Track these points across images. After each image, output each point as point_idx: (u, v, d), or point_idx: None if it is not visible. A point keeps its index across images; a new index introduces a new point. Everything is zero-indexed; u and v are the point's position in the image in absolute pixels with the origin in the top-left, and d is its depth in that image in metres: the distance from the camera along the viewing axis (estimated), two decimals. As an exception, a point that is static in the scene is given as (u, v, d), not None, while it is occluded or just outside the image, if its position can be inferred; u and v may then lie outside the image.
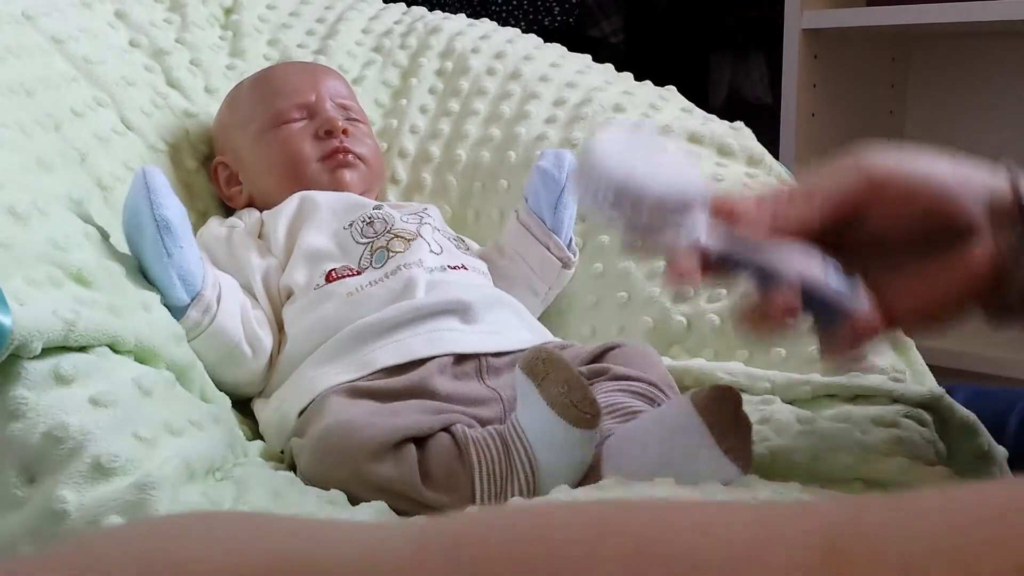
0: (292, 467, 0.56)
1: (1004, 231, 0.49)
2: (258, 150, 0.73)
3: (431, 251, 0.66)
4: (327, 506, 0.48)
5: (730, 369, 0.64)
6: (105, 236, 0.55)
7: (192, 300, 0.57)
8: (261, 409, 0.61)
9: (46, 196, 0.51)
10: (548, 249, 0.71)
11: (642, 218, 0.45)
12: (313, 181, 0.72)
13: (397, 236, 0.66)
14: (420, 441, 0.52)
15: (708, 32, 1.64)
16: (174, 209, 0.56)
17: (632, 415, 0.53)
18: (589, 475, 0.50)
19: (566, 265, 0.72)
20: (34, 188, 0.51)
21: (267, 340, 0.60)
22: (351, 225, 0.67)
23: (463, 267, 0.67)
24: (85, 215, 0.54)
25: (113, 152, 0.65)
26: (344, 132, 0.73)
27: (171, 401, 0.49)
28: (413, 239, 0.66)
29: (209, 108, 0.79)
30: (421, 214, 0.70)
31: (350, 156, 0.73)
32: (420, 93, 0.88)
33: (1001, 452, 0.57)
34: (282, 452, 0.58)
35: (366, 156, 0.74)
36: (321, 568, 0.22)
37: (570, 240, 0.73)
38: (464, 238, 0.75)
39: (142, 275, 0.56)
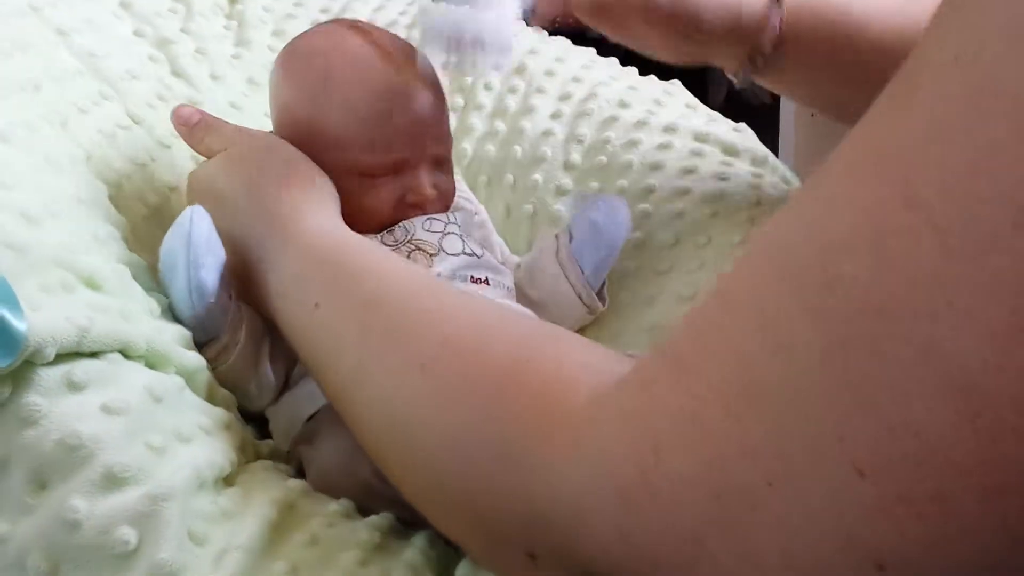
0: (299, 469, 0.56)
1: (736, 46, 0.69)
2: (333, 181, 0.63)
3: (453, 265, 0.64)
4: (340, 519, 0.48)
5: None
6: (113, 238, 0.54)
7: (210, 340, 0.56)
8: (272, 410, 0.60)
9: (56, 197, 0.51)
10: (580, 298, 0.69)
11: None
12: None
13: (419, 248, 0.63)
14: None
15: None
16: (211, 268, 0.54)
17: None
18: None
19: (591, 312, 0.70)
20: (44, 189, 0.51)
21: (275, 381, 0.59)
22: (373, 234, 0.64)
23: (486, 281, 0.65)
24: (93, 216, 0.54)
25: (119, 148, 0.64)
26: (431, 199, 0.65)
27: (181, 407, 0.48)
28: (435, 254, 0.63)
29: (215, 95, 0.78)
30: (445, 219, 0.66)
31: None
32: (425, 86, 0.87)
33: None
34: (288, 452, 0.58)
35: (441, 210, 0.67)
36: None
37: (602, 284, 0.70)
38: (500, 243, 0.74)
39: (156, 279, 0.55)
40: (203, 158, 0.64)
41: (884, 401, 0.26)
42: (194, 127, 0.63)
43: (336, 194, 0.61)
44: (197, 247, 0.54)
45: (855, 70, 0.68)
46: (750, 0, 0.68)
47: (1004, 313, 0.24)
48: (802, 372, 0.28)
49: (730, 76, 0.73)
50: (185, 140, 0.64)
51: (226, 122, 0.64)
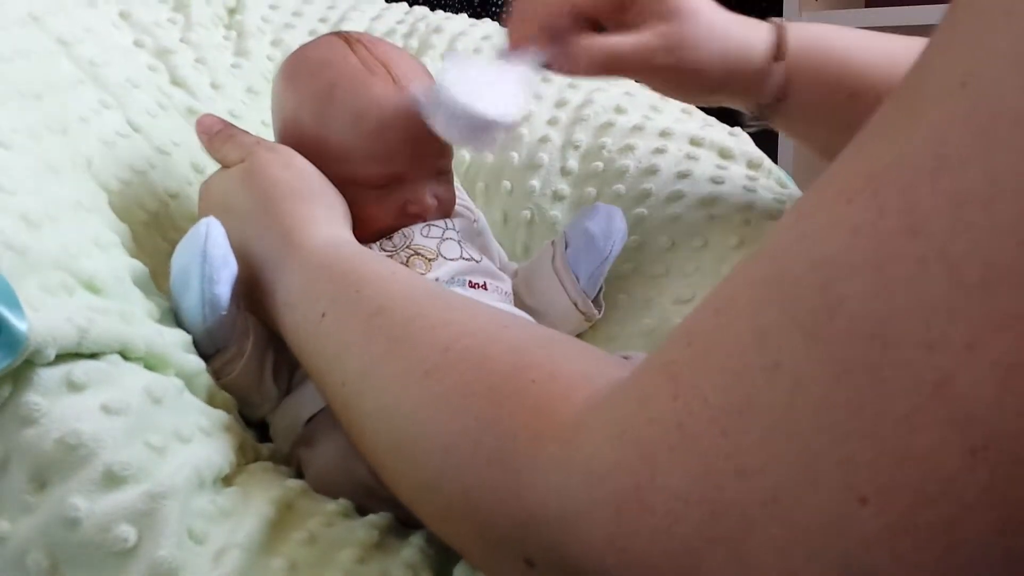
0: (299, 471, 0.56)
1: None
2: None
3: (451, 269, 0.64)
4: (339, 518, 0.48)
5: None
6: (113, 243, 0.55)
7: (215, 352, 0.56)
8: (273, 413, 0.61)
9: (56, 202, 0.51)
10: (576, 305, 0.69)
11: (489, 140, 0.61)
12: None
13: (417, 253, 0.64)
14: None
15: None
16: (226, 282, 0.55)
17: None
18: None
19: (588, 319, 0.71)
20: (45, 194, 0.51)
21: (276, 393, 0.60)
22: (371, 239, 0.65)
23: (483, 286, 0.65)
24: (94, 222, 0.54)
25: (119, 155, 0.64)
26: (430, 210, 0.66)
27: (180, 408, 0.49)
28: (433, 259, 0.64)
29: (215, 105, 0.79)
30: (443, 224, 0.67)
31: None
32: (423, 94, 0.88)
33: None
34: (288, 454, 0.59)
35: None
36: None
37: (599, 291, 0.71)
38: (499, 250, 0.74)
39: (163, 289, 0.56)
40: (197, 165, 0.64)
41: (888, 430, 0.26)
42: (215, 136, 0.64)
43: (347, 209, 0.62)
44: (213, 261, 0.54)
45: (858, 119, 0.68)
46: (750, 58, 0.69)
47: (1013, 347, 0.24)
48: (797, 392, 0.28)
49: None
50: (205, 148, 0.65)
51: (246, 132, 0.65)
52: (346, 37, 0.70)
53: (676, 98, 0.76)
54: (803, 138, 0.77)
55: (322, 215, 0.59)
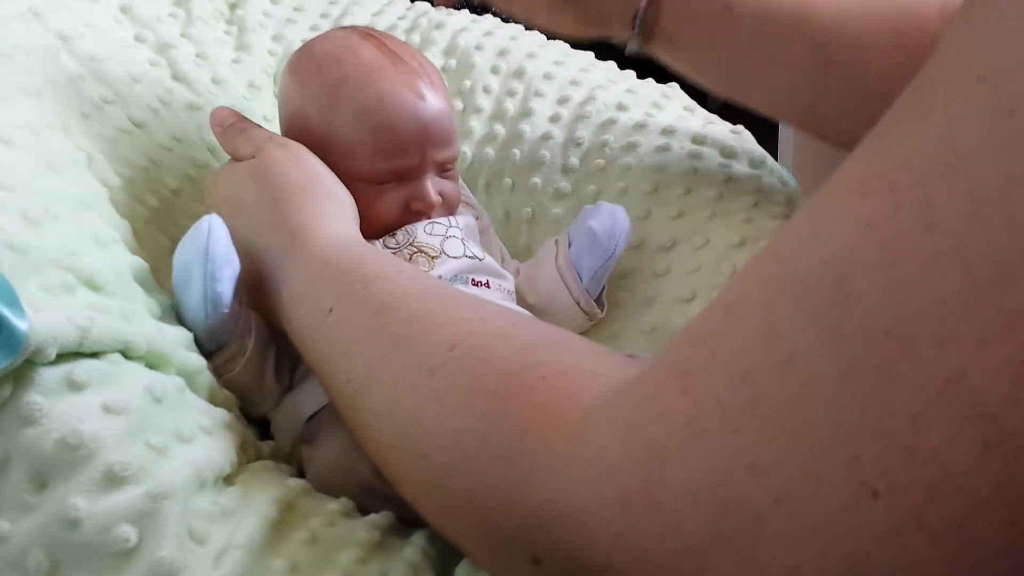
0: (300, 469, 0.56)
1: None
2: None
3: (454, 267, 0.64)
4: (340, 517, 0.48)
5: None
6: (114, 240, 0.55)
7: (217, 349, 0.56)
8: (274, 411, 0.61)
9: (57, 200, 0.51)
10: (578, 304, 0.69)
11: None
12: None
13: (420, 251, 0.64)
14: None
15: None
16: (228, 280, 0.55)
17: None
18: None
19: (590, 318, 0.71)
20: (45, 192, 0.51)
21: (277, 390, 0.60)
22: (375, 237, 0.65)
23: (487, 284, 0.65)
24: (95, 219, 0.54)
25: (120, 151, 0.64)
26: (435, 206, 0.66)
27: (181, 407, 0.49)
28: (437, 256, 0.64)
29: (216, 100, 0.78)
30: (447, 222, 0.67)
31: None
32: (424, 90, 0.87)
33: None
34: (290, 452, 0.59)
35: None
36: None
37: (602, 290, 0.71)
38: (502, 247, 0.74)
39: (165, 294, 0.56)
40: (199, 161, 0.64)
41: (901, 426, 0.26)
42: (227, 128, 0.64)
43: (355, 206, 0.62)
44: (215, 259, 0.54)
45: (735, 43, 0.69)
46: None
47: None
48: (810, 389, 0.28)
49: (624, 44, 0.74)
50: (218, 140, 0.65)
51: (259, 127, 0.65)
52: (356, 31, 0.70)
53: (557, 21, 0.75)
54: (690, 68, 0.75)
55: (331, 213, 0.59)
